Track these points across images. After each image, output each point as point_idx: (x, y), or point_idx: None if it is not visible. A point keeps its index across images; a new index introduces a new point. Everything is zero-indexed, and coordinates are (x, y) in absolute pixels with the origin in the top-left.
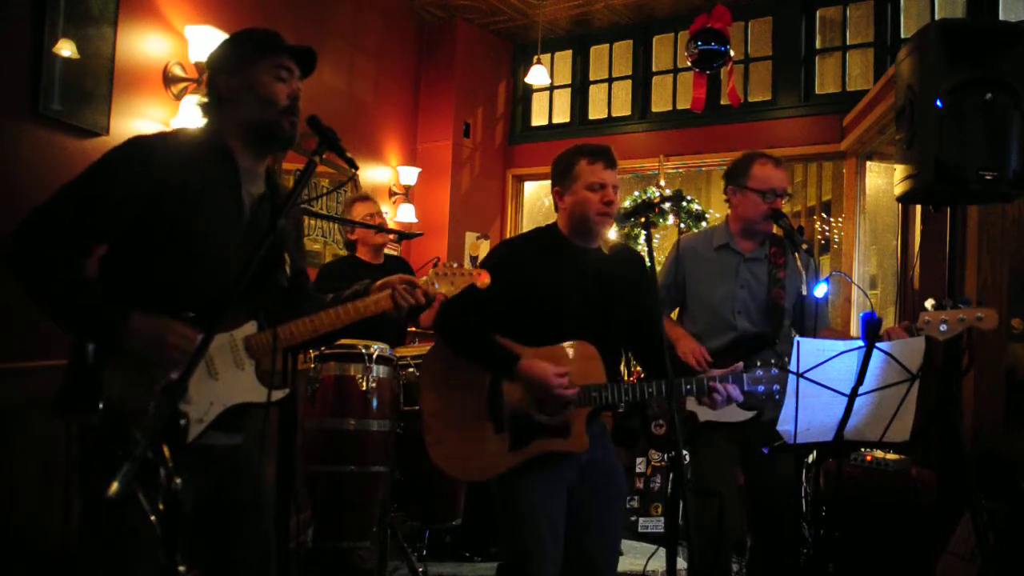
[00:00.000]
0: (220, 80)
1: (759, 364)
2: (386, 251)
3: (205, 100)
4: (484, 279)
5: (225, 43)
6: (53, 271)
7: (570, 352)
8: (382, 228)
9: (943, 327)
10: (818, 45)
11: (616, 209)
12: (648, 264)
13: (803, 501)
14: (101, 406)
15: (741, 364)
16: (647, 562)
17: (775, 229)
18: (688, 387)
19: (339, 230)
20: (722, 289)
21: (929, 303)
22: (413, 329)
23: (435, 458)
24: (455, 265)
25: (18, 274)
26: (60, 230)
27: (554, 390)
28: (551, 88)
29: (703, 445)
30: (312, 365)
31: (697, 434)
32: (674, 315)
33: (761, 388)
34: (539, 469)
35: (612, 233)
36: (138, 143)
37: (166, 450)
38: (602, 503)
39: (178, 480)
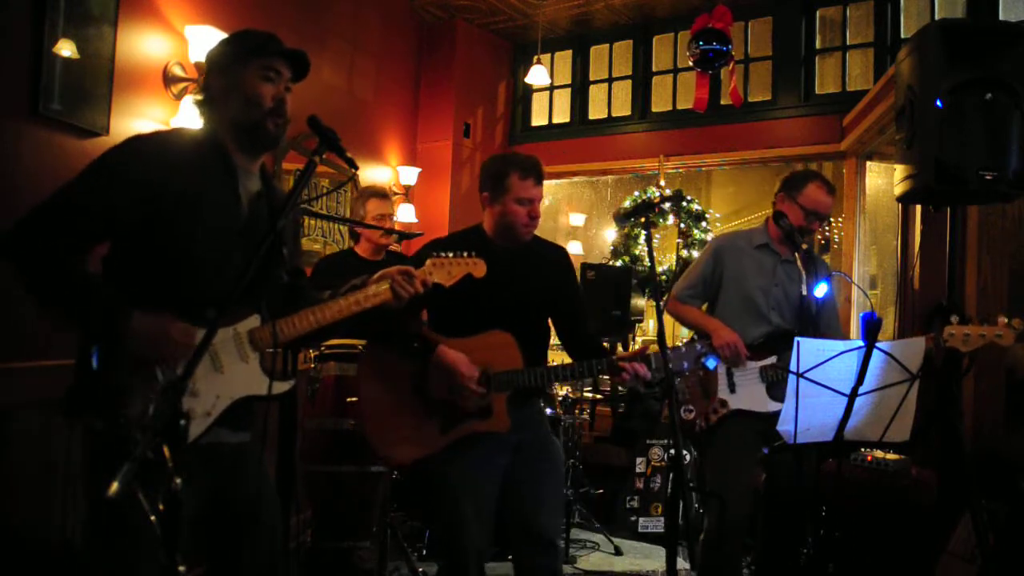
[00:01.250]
0: (212, 79)
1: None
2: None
3: (199, 98)
4: (481, 269)
5: (221, 43)
6: (54, 269)
7: (487, 341)
8: (389, 231)
9: (966, 341)
10: (818, 45)
11: (538, 224)
12: (648, 264)
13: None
14: (111, 411)
15: (648, 347)
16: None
17: (773, 228)
18: (599, 367)
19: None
20: (760, 284)
21: (954, 319)
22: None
23: (373, 443)
24: (451, 255)
25: (20, 270)
26: (59, 230)
27: (460, 379)
28: (551, 88)
29: (721, 438)
30: (312, 365)
31: (723, 423)
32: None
33: (686, 365)
34: (467, 448)
35: (612, 233)
36: (136, 143)
37: (166, 450)
38: (539, 478)
39: (178, 480)
